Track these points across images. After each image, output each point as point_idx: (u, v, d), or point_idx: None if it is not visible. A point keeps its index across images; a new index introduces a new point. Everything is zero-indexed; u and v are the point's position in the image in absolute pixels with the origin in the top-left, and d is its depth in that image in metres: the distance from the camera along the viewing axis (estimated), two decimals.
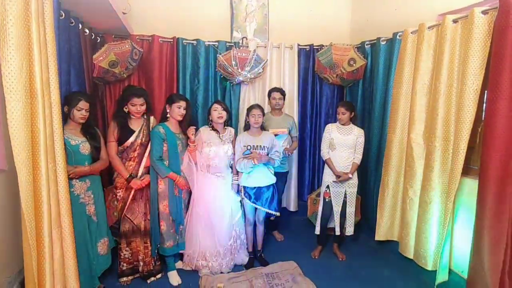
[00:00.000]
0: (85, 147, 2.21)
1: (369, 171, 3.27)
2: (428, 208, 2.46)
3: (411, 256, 2.68)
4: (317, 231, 3.00)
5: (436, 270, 2.39)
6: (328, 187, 2.90)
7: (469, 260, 2.13)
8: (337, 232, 2.93)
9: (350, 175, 2.83)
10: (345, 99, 3.77)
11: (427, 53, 2.50)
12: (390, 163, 2.81)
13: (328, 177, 2.91)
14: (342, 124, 2.88)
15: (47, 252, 1.65)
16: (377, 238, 2.94)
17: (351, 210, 2.92)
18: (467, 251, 2.16)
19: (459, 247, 2.37)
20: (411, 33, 2.61)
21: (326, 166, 2.94)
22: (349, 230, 2.94)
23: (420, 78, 2.53)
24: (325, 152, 2.92)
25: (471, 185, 2.23)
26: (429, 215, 2.46)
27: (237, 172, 2.75)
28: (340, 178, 2.82)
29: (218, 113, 2.64)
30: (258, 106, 2.71)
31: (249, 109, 2.71)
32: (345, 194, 2.89)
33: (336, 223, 2.91)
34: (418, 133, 2.58)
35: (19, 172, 1.49)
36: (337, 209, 2.90)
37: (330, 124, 2.98)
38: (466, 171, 2.30)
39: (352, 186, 2.89)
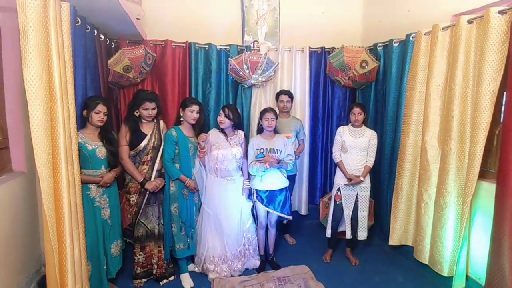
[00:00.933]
0: (102, 152, 2.25)
1: (383, 175, 3.23)
2: (443, 212, 2.41)
3: (426, 262, 2.63)
4: (328, 234, 2.97)
5: (452, 277, 2.34)
6: (339, 189, 2.88)
7: (487, 266, 2.08)
8: (348, 236, 2.90)
9: (362, 178, 2.80)
10: (357, 101, 3.74)
11: (441, 55, 2.46)
12: (404, 166, 2.77)
13: (339, 179, 2.89)
14: (355, 126, 2.85)
15: (69, 253, 1.69)
16: (391, 242, 2.90)
17: (363, 214, 2.88)
18: (485, 256, 2.10)
19: (476, 252, 2.32)
20: (425, 34, 2.58)
21: (337, 168, 2.92)
22: (362, 235, 2.90)
23: (434, 80, 2.50)
24: (337, 155, 2.90)
25: (488, 188, 2.18)
26: (444, 220, 2.41)
27: (249, 176, 2.75)
28: (352, 181, 2.79)
29: (220, 118, 2.64)
30: (271, 110, 2.71)
31: (263, 113, 2.72)
32: (357, 197, 2.86)
33: (347, 226, 2.88)
34: (432, 136, 2.54)
35: (40, 175, 1.53)
36: (348, 212, 2.87)
37: (342, 127, 2.96)
38: (483, 174, 2.25)
39: (364, 190, 2.86)
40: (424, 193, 2.60)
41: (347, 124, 2.94)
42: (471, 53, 2.19)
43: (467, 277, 2.37)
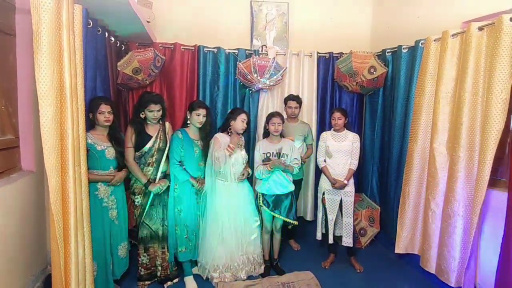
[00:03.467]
0: (110, 152, 2.27)
1: (390, 182, 3.20)
2: (451, 221, 2.38)
3: (433, 271, 2.58)
4: (319, 236, 2.99)
5: (460, 287, 2.29)
6: (324, 193, 2.89)
7: (496, 276, 2.04)
8: (330, 241, 2.90)
9: (346, 182, 2.80)
10: (364, 107, 3.73)
11: (450, 61, 2.44)
12: (411, 174, 2.74)
13: (324, 183, 2.91)
14: (336, 130, 2.87)
15: (73, 252, 1.69)
16: (397, 250, 2.85)
17: (348, 220, 2.88)
18: (494, 266, 2.06)
19: (486, 262, 2.27)
20: (434, 40, 2.56)
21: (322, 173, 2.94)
22: (347, 241, 2.89)
23: (443, 86, 2.47)
24: (321, 161, 2.91)
25: (499, 197, 2.15)
26: (452, 228, 2.37)
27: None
28: (336, 185, 2.79)
29: (244, 125, 2.67)
30: (278, 114, 2.71)
31: (269, 117, 2.72)
32: (341, 203, 2.86)
33: (330, 231, 2.88)
34: (441, 143, 2.51)
35: (49, 174, 1.54)
36: (331, 217, 2.88)
37: (324, 132, 2.99)
38: (493, 183, 2.21)
39: (348, 195, 2.86)
40: (432, 201, 2.57)
41: (330, 130, 2.96)
42: (481, 60, 2.17)
43: None
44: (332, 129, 2.92)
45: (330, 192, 2.88)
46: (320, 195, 2.95)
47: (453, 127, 2.40)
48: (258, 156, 2.71)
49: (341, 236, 2.92)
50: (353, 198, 2.89)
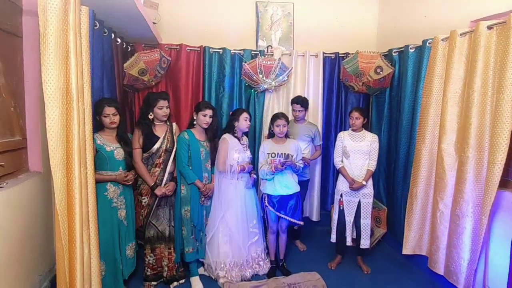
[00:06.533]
0: (120, 153, 2.28)
1: (397, 182, 3.16)
2: (460, 222, 2.34)
3: (441, 273, 2.54)
4: (333, 238, 2.94)
5: None
6: (341, 195, 2.85)
7: (507, 279, 2.00)
8: (348, 243, 2.86)
9: (364, 182, 2.76)
10: (371, 107, 3.70)
11: (459, 61, 2.40)
12: (419, 174, 2.70)
13: (341, 185, 2.87)
14: (354, 130, 2.83)
15: (78, 252, 1.70)
16: (404, 252, 2.82)
17: (366, 222, 2.84)
18: (505, 268, 2.02)
19: (496, 264, 2.23)
20: (442, 40, 2.53)
21: (340, 174, 2.90)
22: (365, 243, 2.85)
23: (451, 86, 2.44)
24: (338, 161, 2.88)
25: (510, 198, 2.11)
26: (461, 229, 2.34)
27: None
28: (354, 186, 2.75)
29: (248, 123, 2.72)
30: (282, 116, 2.70)
31: (274, 119, 2.72)
32: (359, 204, 2.82)
33: (347, 233, 2.85)
34: (449, 143, 2.47)
35: (54, 175, 1.55)
36: (349, 219, 2.84)
37: (342, 132, 2.95)
38: (504, 184, 2.17)
39: (367, 196, 2.82)
40: (440, 201, 2.53)
41: (347, 129, 2.91)
42: (491, 60, 2.13)
43: None
44: (350, 128, 2.89)
45: (348, 194, 2.84)
46: (337, 197, 2.91)
47: (462, 128, 2.36)
48: (262, 156, 2.71)
49: (354, 238, 2.89)
50: (372, 200, 2.85)
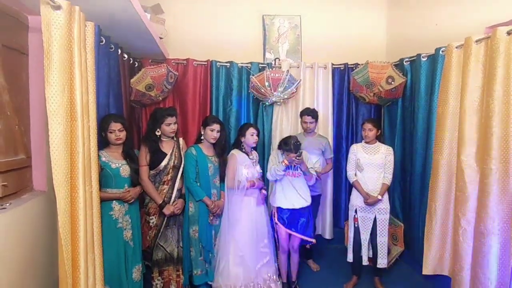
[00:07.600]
0: (125, 170, 2.22)
1: (414, 197, 3.03)
2: (485, 240, 2.19)
3: None
4: (350, 258, 2.79)
5: None
6: (356, 211, 2.72)
7: None
8: (364, 262, 2.71)
9: (380, 197, 2.63)
10: (383, 118, 3.60)
11: (475, 69, 2.31)
12: (437, 188, 2.57)
13: (355, 200, 2.74)
14: (367, 143, 2.73)
15: (82, 278, 1.62)
16: (424, 272, 2.65)
17: (383, 240, 2.70)
18: None
19: None
20: (456, 47, 2.44)
21: (353, 188, 2.78)
22: (382, 262, 2.70)
23: (468, 95, 2.33)
24: (351, 174, 2.76)
25: None
26: (487, 248, 2.18)
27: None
28: (369, 201, 2.62)
29: (254, 138, 2.64)
30: (294, 144, 2.49)
31: (283, 145, 2.56)
32: (375, 221, 2.68)
33: (363, 252, 2.70)
34: (469, 155, 2.34)
35: (57, 194, 1.49)
36: (364, 237, 2.70)
37: (355, 144, 2.86)
38: None
39: (383, 212, 2.69)
40: (462, 217, 2.38)
41: (359, 141, 2.81)
42: (511, 66, 2.04)
43: None
44: (363, 141, 2.79)
45: (363, 209, 2.70)
46: (352, 213, 2.78)
47: (483, 138, 2.24)
48: (273, 161, 2.64)
49: (371, 258, 2.75)
50: (388, 216, 2.72)
